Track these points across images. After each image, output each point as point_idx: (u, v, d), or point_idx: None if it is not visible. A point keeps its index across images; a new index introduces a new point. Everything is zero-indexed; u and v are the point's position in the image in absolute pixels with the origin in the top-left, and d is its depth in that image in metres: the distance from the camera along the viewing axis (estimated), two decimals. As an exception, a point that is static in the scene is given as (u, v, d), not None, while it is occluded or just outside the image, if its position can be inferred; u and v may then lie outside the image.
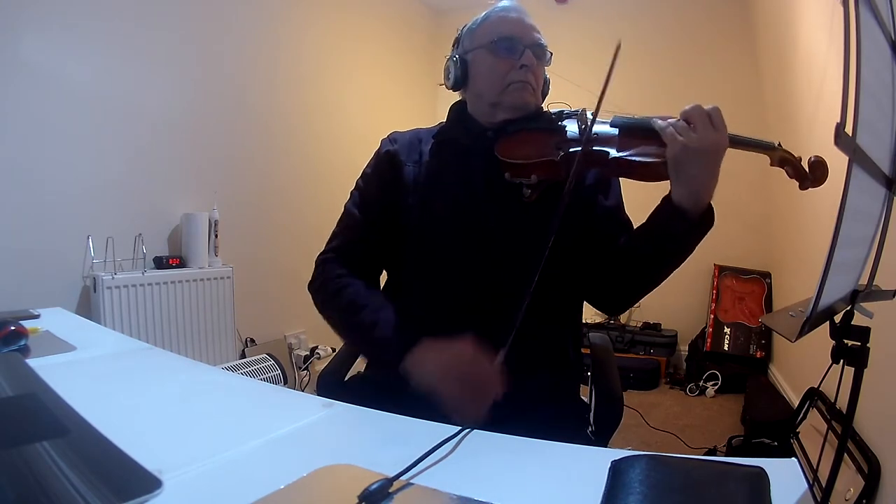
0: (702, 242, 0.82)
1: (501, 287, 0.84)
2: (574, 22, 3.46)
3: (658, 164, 0.78)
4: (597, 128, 0.86)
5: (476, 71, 0.95)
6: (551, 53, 0.96)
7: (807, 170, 0.80)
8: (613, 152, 0.82)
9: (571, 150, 0.83)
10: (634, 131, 0.84)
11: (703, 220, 0.78)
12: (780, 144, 0.81)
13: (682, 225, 0.78)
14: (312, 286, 0.95)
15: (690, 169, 0.75)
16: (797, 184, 0.82)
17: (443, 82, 1.00)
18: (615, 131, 0.85)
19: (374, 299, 0.88)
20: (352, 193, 0.99)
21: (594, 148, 0.83)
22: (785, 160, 0.81)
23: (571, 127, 0.90)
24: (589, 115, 0.88)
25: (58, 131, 1.81)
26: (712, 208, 0.79)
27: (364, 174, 1.00)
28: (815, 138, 1.95)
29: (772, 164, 0.82)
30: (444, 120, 1.02)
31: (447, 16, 3.89)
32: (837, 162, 0.37)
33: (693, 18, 3.28)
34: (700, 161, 0.74)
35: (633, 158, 0.80)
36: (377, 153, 0.99)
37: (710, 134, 0.73)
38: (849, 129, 0.37)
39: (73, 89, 1.85)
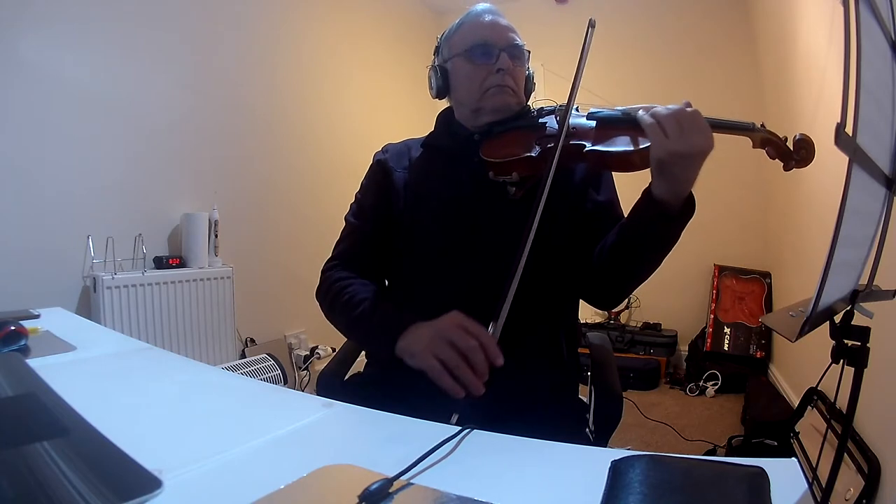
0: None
1: (493, 285, 0.85)
2: (574, 22, 3.45)
3: (632, 154, 0.78)
4: (575, 121, 0.86)
5: (455, 79, 0.97)
6: (529, 52, 0.97)
7: (791, 149, 0.78)
8: (588, 145, 0.82)
9: (549, 145, 0.84)
10: (610, 123, 0.84)
11: (684, 210, 0.78)
12: (762, 125, 0.79)
13: (664, 217, 0.78)
14: (319, 293, 0.98)
15: (675, 171, 0.74)
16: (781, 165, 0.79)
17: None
18: (592, 124, 0.85)
19: (373, 294, 0.90)
20: (351, 206, 1.03)
21: (571, 142, 0.83)
22: (766, 140, 0.79)
23: (552, 123, 0.90)
24: (573, 109, 0.87)
25: (58, 131, 1.81)
26: (693, 196, 0.78)
27: (361, 186, 1.04)
28: (815, 138, 1.94)
29: (754, 147, 0.81)
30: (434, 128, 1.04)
31: (449, 17, 3.86)
32: (837, 163, 0.37)
33: (693, 18, 3.28)
34: (686, 164, 0.73)
35: (608, 150, 0.80)
36: (371, 165, 1.03)
37: (698, 138, 0.71)
38: (849, 129, 0.36)
39: (73, 89, 1.85)
